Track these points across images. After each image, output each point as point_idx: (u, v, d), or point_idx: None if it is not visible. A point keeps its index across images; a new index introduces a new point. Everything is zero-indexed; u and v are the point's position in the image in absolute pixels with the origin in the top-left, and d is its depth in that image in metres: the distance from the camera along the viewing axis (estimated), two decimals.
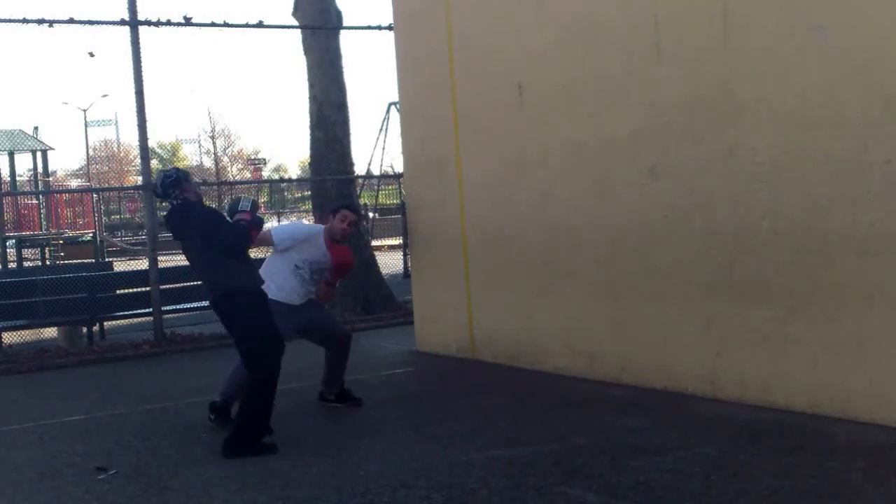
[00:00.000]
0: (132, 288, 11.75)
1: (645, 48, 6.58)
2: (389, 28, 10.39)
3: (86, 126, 51.94)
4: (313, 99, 12.09)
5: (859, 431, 5.29)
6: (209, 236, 5.64)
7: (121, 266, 17.65)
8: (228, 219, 5.83)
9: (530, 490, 4.63)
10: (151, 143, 17.75)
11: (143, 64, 10.09)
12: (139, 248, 30.87)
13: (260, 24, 11.07)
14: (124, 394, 7.84)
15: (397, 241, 16.80)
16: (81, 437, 6.35)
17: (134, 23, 10.08)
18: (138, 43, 10.10)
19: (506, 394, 6.96)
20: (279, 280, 6.37)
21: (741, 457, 4.99)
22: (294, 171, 63.05)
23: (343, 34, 12.28)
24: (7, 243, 20.58)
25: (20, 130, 26.01)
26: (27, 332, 11.27)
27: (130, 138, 62.78)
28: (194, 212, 5.75)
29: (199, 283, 12.24)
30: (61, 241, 23.31)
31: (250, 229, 5.79)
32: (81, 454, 5.90)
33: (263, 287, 5.81)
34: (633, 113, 6.72)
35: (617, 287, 7.00)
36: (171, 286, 11.41)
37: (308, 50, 12.13)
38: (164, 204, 6.54)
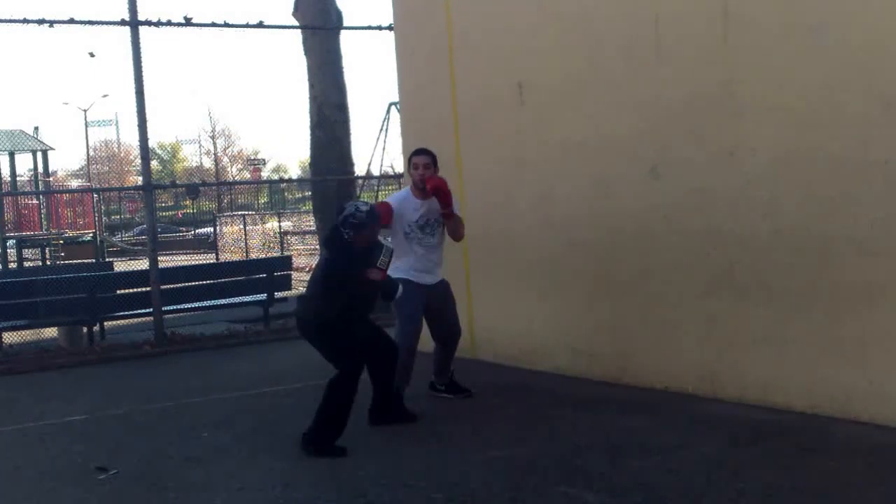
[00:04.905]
0: (132, 288, 11.75)
1: (645, 48, 6.58)
2: (389, 28, 10.40)
3: (86, 126, 52.13)
4: (314, 99, 12.10)
5: (859, 431, 5.28)
6: (330, 269, 5.57)
7: (121, 266, 17.67)
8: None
9: (530, 490, 4.63)
10: (152, 144, 17.74)
11: (143, 64, 10.08)
12: (139, 248, 30.91)
13: (260, 25, 11.07)
14: (125, 394, 7.83)
15: None
16: (81, 437, 6.35)
17: (134, 23, 10.08)
18: (138, 43, 10.09)
19: (506, 394, 6.96)
20: (401, 255, 6.37)
21: (741, 457, 4.99)
22: (294, 172, 63.18)
23: (343, 34, 12.30)
24: (7, 243, 20.59)
25: (20, 130, 26.02)
26: (27, 332, 11.27)
27: (131, 138, 62.98)
28: (335, 248, 5.61)
29: (198, 283, 12.42)
30: (61, 242, 23.34)
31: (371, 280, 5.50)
32: (81, 454, 5.89)
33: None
34: (633, 113, 6.73)
35: (617, 287, 7.00)
36: (171, 286, 11.42)
37: (308, 50, 12.14)
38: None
